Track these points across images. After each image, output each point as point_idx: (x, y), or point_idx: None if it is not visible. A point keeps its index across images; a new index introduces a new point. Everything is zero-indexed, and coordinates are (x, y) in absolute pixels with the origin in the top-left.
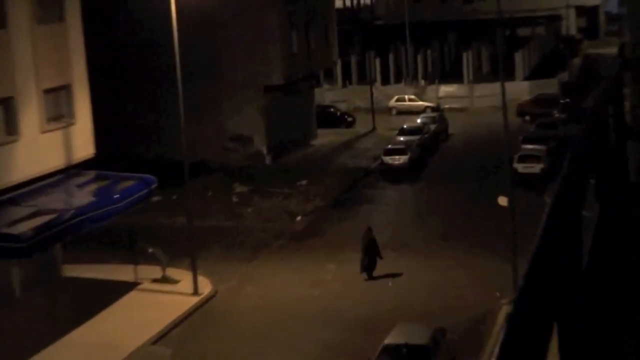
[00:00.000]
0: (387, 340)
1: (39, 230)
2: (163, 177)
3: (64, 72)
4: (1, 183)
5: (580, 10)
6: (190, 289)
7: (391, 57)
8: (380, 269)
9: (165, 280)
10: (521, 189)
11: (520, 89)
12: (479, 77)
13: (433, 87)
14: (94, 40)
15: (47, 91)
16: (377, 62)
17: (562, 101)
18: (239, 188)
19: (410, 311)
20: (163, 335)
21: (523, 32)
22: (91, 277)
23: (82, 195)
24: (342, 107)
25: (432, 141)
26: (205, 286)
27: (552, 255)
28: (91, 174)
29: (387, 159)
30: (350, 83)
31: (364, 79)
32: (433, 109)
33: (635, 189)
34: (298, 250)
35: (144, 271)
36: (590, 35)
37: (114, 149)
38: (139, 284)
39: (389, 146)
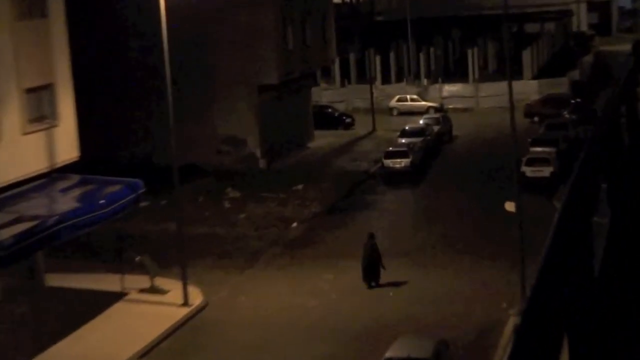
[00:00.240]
0: (388, 354)
1: (20, 237)
2: (151, 182)
3: (47, 71)
4: None
5: (592, 5)
6: (180, 300)
7: (392, 54)
8: (380, 278)
9: (153, 290)
10: (529, 194)
11: (528, 89)
12: (485, 76)
13: (436, 86)
14: (79, 38)
15: (29, 91)
16: (378, 59)
17: (572, 101)
18: (231, 193)
19: (412, 323)
20: (151, 349)
21: (531, 28)
22: (76, 287)
23: (66, 201)
24: (341, 107)
25: (435, 143)
26: (196, 297)
27: (561, 264)
28: (75, 178)
29: (388, 162)
30: (349, 82)
31: (364, 77)
32: (436, 110)
33: None
34: (293, 258)
35: (131, 281)
36: (602, 32)
37: (99, 152)
38: (126, 294)
39: (390, 149)
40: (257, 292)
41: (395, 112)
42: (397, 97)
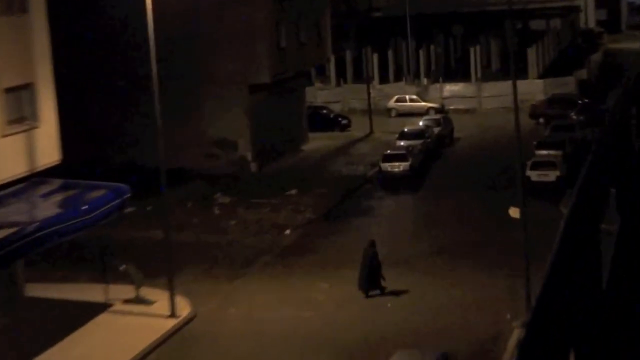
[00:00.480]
0: None
1: None
2: (137, 186)
3: (27, 70)
4: None
5: (600, 1)
6: (166, 311)
7: (390, 52)
8: (381, 287)
9: (139, 300)
10: (535, 199)
11: (533, 88)
12: (488, 75)
13: (437, 86)
14: (61, 35)
15: (7, 90)
16: (375, 58)
17: (579, 102)
18: (221, 198)
19: (412, 334)
20: None
21: (537, 25)
22: (57, 298)
23: (47, 207)
24: (336, 108)
25: (435, 146)
26: (184, 307)
27: (568, 274)
28: (57, 182)
29: (386, 166)
30: (345, 82)
31: (360, 77)
32: (437, 111)
33: None
34: (287, 267)
35: (116, 291)
36: (611, 29)
37: (83, 155)
38: (110, 305)
39: (388, 152)
40: (248, 302)
41: (393, 113)
42: (396, 97)
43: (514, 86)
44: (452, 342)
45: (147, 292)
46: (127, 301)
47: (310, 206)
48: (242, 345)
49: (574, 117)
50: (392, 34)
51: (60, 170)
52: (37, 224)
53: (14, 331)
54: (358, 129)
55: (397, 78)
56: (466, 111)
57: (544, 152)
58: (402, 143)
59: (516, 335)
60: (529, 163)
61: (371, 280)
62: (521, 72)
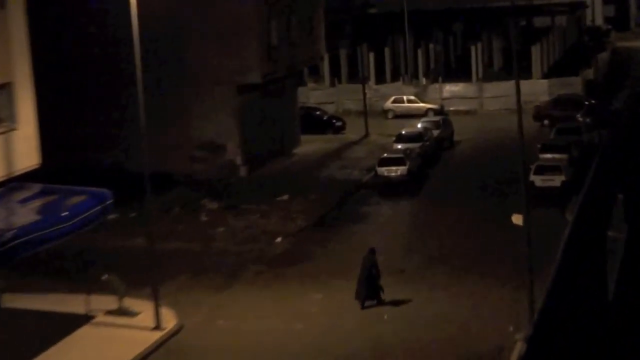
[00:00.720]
0: None
1: None
2: (121, 192)
3: (4, 69)
4: None
5: None
6: (151, 323)
7: (387, 51)
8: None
9: (122, 312)
10: (539, 206)
11: (537, 89)
12: (490, 75)
13: (436, 86)
14: (41, 32)
15: None
16: (371, 56)
17: (586, 103)
18: (209, 204)
19: (409, 348)
20: None
21: (541, 22)
22: (36, 309)
23: (25, 213)
24: (330, 109)
25: (434, 149)
26: (169, 319)
27: (572, 284)
28: (36, 187)
29: (382, 171)
30: (340, 81)
31: (356, 76)
32: (436, 112)
33: None
34: (277, 277)
35: (98, 302)
36: (619, 26)
37: (63, 159)
38: (91, 316)
39: (385, 155)
40: (237, 314)
41: (390, 115)
42: (393, 98)
43: (517, 86)
44: (452, 356)
45: (130, 303)
46: (109, 312)
47: (303, 213)
48: (230, 358)
49: (580, 119)
50: (389, 31)
51: (40, 174)
52: (14, 231)
53: None
54: (353, 131)
55: (394, 78)
56: (467, 113)
57: (549, 155)
58: (399, 146)
59: (519, 348)
60: (533, 167)
61: (370, 290)
62: (524, 72)
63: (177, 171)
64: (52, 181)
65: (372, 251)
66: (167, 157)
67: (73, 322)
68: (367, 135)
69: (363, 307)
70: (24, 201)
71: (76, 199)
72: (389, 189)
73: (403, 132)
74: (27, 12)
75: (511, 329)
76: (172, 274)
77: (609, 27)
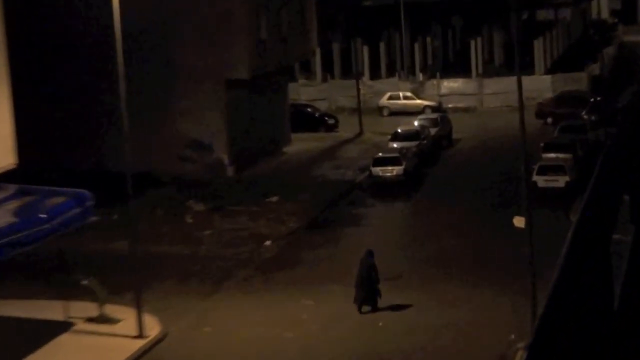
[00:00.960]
0: None
1: None
2: (102, 193)
3: None
4: None
5: None
6: (134, 331)
7: (382, 45)
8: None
9: (103, 319)
10: (542, 207)
11: (540, 85)
12: (490, 70)
13: (434, 82)
14: (18, 28)
15: None
16: (365, 51)
17: (591, 99)
18: (195, 206)
19: (405, 357)
20: None
21: (544, 15)
22: (12, 316)
23: (1, 215)
24: (322, 106)
25: (432, 148)
26: (153, 327)
27: (575, 290)
28: (12, 188)
29: (377, 171)
30: (332, 77)
31: (349, 72)
32: (434, 109)
33: None
34: (267, 282)
35: (78, 308)
36: (626, 20)
37: (41, 159)
38: (71, 324)
39: (380, 155)
40: (224, 321)
41: (385, 112)
42: (388, 94)
43: (519, 82)
44: None
45: (112, 309)
46: (90, 320)
47: (293, 214)
48: None
49: (585, 116)
50: (385, 25)
51: (16, 175)
52: None
53: None
54: (346, 129)
55: (390, 73)
56: (466, 110)
57: (552, 155)
58: (395, 145)
59: (521, 357)
60: (536, 167)
61: (369, 293)
62: (527, 67)
63: (162, 171)
64: (29, 182)
65: (370, 253)
66: (151, 157)
67: (51, 330)
68: (361, 133)
69: (360, 311)
70: (0, 202)
71: (55, 200)
72: (384, 190)
73: (399, 130)
74: (3, 7)
75: (513, 336)
76: (156, 279)
77: (616, 20)
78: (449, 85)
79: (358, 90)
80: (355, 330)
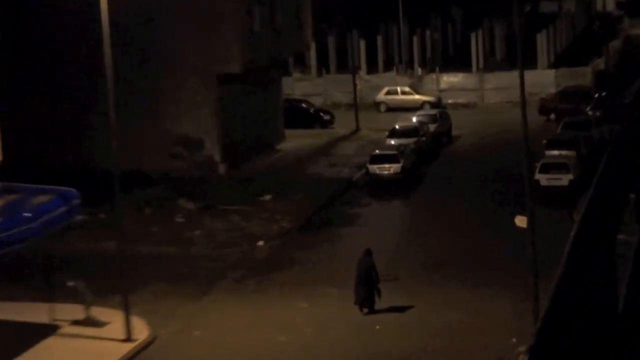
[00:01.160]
0: None
1: None
2: (89, 191)
3: None
4: None
5: None
6: (121, 334)
7: (380, 38)
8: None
9: (89, 322)
10: (544, 206)
11: (543, 80)
12: (492, 65)
13: (433, 76)
14: (3, 23)
15: None
16: (362, 44)
17: (596, 95)
18: (185, 205)
19: None
20: None
21: (547, 7)
22: None
23: None
24: (317, 101)
25: (431, 145)
26: (141, 330)
27: (578, 292)
28: None
29: (374, 168)
30: (328, 71)
31: (345, 66)
32: (433, 105)
33: None
34: (260, 284)
35: (63, 311)
36: (632, 12)
37: (26, 156)
38: (56, 327)
39: (377, 152)
40: (215, 324)
41: (383, 108)
42: (386, 89)
43: (521, 77)
44: None
45: (99, 312)
46: (76, 322)
47: (287, 214)
48: None
49: (590, 112)
50: (382, 17)
51: (2, 172)
52: None
53: None
54: (342, 125)
55: (388, 67)
56: (466, 106)
57: (555, 152)
58: (392, 142)
59: None
60: (538, 165)
61: (368, 293)
62: (529, 62)
63: (151, 168)
64: (13, 179)
65: (369, 252)
66: (140, 154)
67: (36, 333)
68: (357, 129)
69: (362, 312)
70: None
71: (40, 199)
72: (381, 189)
73: (397, 127)
74: None
75: (514, 340)
76: (145, 280)
77: (621, 13)
78: (449, 80)
79: (354, 85)
80: (351, 334)
